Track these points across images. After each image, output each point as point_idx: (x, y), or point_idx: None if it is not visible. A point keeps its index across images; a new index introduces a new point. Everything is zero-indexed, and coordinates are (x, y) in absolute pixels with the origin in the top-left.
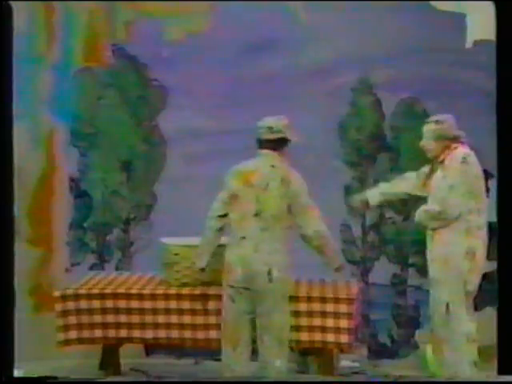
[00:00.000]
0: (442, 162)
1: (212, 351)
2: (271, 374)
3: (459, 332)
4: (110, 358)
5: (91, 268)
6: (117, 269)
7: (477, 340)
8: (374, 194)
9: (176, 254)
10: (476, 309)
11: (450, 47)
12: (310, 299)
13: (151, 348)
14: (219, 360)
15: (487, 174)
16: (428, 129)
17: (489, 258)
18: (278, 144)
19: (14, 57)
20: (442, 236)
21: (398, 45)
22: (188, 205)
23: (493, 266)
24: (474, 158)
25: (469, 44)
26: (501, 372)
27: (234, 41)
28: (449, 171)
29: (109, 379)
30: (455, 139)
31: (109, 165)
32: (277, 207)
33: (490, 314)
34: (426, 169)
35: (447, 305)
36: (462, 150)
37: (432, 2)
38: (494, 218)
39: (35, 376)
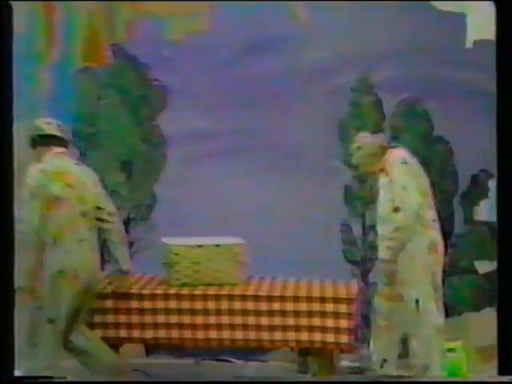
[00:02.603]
0: (383, 170)
1: (212, 351)
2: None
3: (429, 325)
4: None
5: None
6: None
7: (444, 331)
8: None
9: (176, 254)
10: (476, 309)
11: (450, 47)
12: (310, 299)
13: (151, 348)
14: (219, 360)
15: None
16: (358, 147)
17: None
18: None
19: (14, 57)
20: None
21: (398, 45)
22: (188, 205)
23: (493, 265)
24: (411, 157)
25: (469, 44)
26: (501, 372)
27: (233, 41)
28: (394, 175)
29: (109, 379)
30: (386, 148)
31: (109, 165)
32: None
33: (490, 313)
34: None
35: (417, 301)
36: (398, 154)
37: (432, 2)
38: (494, 218)
39: (35, 376)
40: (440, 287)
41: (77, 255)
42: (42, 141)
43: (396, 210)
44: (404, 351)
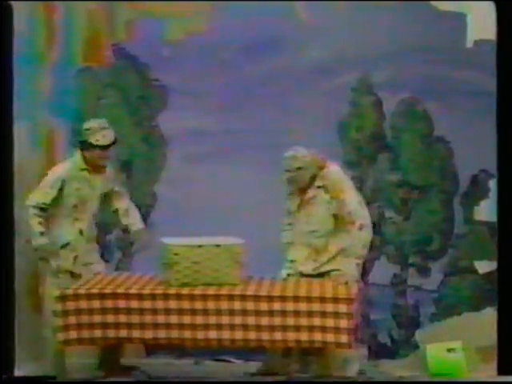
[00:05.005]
0: (320, 187)
1: (212, 351)
2: None
3: None
4: (109, 357)
5: None
6: (117, 269)
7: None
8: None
9: (176, 254)
10: (476, 309)
11: (450, 47)
12: (309, 299)
13: (151, 348)
14: (219, 360)
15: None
16: (299, 167)
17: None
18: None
19: (14, 57)
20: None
21: (398, 45)
22: (188, 205)
23: (493, 265)
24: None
25: (469, 44)
26: (501, 372)
27: (234, 41)
28: (342, 193)
29: (109, 379)
30: (323, 164)
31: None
32: None
33: (490, 314)
34: (295, 203)
35: None
36: (335, 170)
37: (432, 2)
38: (494, 218)
39: (35, 376)
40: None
41: None
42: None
43: (361, 227)
44: None
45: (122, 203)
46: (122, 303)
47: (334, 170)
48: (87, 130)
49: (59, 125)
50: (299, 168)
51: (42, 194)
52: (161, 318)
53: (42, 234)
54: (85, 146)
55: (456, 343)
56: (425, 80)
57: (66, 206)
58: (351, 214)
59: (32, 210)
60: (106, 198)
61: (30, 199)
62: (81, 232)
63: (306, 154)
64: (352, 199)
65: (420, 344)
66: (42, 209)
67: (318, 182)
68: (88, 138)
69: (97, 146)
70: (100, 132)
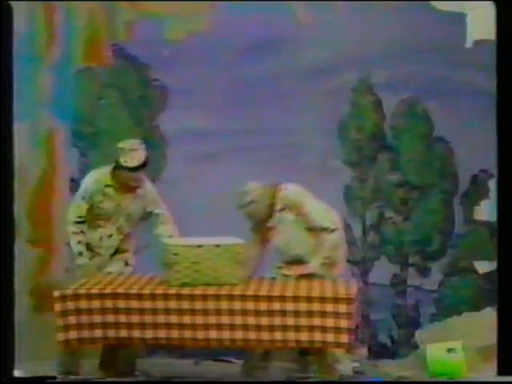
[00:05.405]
0: (283, 209)
1: (212, 351)
2: None
3: None
4: (110, 357)
5: None
6: None
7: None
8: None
9: (176, 254)
10: (476, 309)
11: (450, 47)
12: (309, 299)
13: (151, 348)
14: (219, 360)
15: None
16: (251, 201)
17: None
18: None
19: (14, 57)
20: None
21: (397, 45)
22: (188, 205)
23: (493, 265)
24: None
25: (469, 44)
26: (501, 372)
27: (234, 41)
28: (298, 207)
29: (109, 379)
30: (277, 189)
31: (109, 165)
32: None
33: (490, 314)
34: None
35: None
36: (291, 188)
37: (432, 2)
38: (494, 218)
39: (35, 376)
40: None
41: None
42: None
43: (331, 231)
44: None
45: (166, 229)
46: (122, 303)
47: (291, 189)
48: (120, 149)
49: (59, 125)
50: (252, 202)
51: (75, 208)
52: (161, 318)
53: (80, 253)
54: (116, 164)
55: (456, 343)
56: (425, 80)
57: (92, 213)
58: (320, 224)
59: (70, 228)
60: (149, 219)
61: (69, 215)
62: (100, 239)
63: (257, 187)
64: (315, 209)
65: (420, 344)
66: (79, 222)
67: (279, 206)
68: (119, 157)
69: (125, 168)
70: (129, 153)
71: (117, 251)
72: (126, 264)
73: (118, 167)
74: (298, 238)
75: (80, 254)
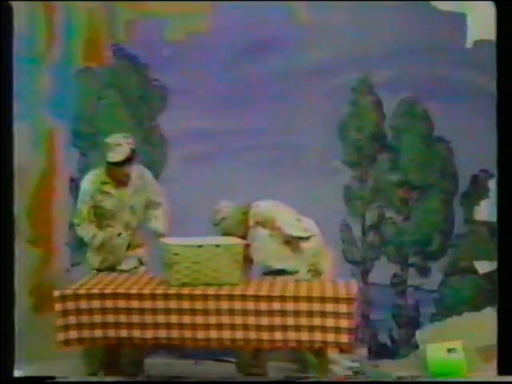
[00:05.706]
0: (257, 224)
1: (212, 351)
2: None
3: None
4: (110, 357)
5: None
6: None
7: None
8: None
9: (176, 254)
10: (476, 309)
11: (450, 47)
12: (309, 299)
13: (151, 348)
14: (219, 360)
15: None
16: (223, 218)
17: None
18: None
19: (14, 57)
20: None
21: (397, 45)
22: (188, 205)
23: (493, 265)
24: None
25: (469, 44)
26: (501, 372)
27: (234, 41)
28: (270, 222)
29: (109, 379)
30: (248, 207)
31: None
32: None
33: (490, 314)
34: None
35: None
36: (261, 206)
37: (432, 2)
38: (494, 218)
39: (35, 376)
40: None
41: None
42: None
43: (307, 239)
44: None
45: (155, 211)
46: (122, 303)
47: (262, 206)
48: (106, 144)
49: (59, 125)
50: (223, 219)
51: (79, 213)
52: (161, 318)
53: (93, 236)
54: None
55: (456, 343)
56: (425, 80)
57: (96, 214)
58: (294, 234)
59: (79, 232)
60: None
61: (75, 220)
62: (111, 239)
63: (228, 205)
64: (287, 221)
65: (420, 344)
66: (86, 224)
67: (251, 222)
68: (106, 153)
69: (111, 163)
70: (114, 148)
71: (129, 246)
72: (141, 263)
73: (107, 164)
74: (278, 252)
75: (94, 236)
